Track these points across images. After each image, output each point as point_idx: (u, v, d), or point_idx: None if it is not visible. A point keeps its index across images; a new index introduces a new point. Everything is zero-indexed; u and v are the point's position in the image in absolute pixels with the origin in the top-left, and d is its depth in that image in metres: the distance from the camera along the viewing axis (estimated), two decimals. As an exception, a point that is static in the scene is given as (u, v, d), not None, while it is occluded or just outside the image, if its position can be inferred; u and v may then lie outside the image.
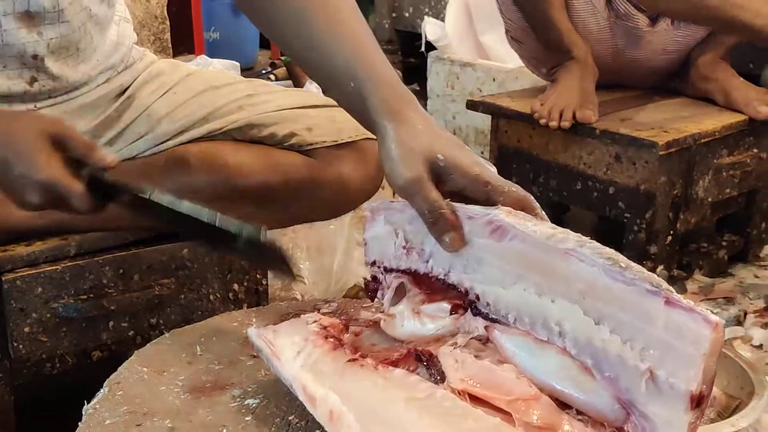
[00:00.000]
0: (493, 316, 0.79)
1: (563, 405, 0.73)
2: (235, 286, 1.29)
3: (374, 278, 0.91)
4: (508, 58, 2.61)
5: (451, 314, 0.83)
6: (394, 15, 3.59)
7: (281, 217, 1.30)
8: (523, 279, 0.77)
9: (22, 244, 1.15)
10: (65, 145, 0.95)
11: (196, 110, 1.25)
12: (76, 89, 1.21)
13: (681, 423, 0.65)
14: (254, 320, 0.99)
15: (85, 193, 0.94)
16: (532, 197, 0.85)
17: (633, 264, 0.74)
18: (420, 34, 3.04)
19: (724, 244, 2.03)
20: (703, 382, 0.65)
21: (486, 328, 0.80)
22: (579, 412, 0.73)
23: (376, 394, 0.75)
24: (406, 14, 3.59)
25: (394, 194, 0.95)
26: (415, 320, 0.85)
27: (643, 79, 2.10)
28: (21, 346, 1.13)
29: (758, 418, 1.29)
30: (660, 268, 1.86)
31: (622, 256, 0.76)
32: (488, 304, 0.79)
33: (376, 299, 0.91)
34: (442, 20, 2.93)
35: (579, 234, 0.78)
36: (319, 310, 0.96)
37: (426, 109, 2.69)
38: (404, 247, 0.86)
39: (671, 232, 1.86)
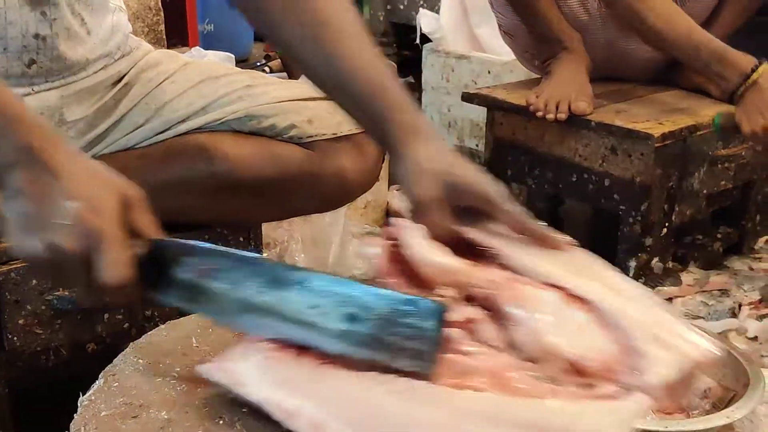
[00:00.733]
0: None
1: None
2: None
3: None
4: (503, 51, 2.60)
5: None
6: (388, 7, 3.58)
7: (279, 209, 1.30)
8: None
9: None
10: (130, 214, 0.78)
11: (194, 101, 1.25)
12: (73, 74, 1.21)
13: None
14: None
15: (127, 260, 0.75)
16: (530, 218, 0.90)
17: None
18: (415, 27, 3.03)
19: (719, 236, 2.03)
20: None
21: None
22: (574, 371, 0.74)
23: (357, 393, 0.71)
24: (401, 6, 3.58)
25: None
26: None
27: (638, 71, 2.09)
28: (16, 339, 1.13)
29: (753, 410, 1.29)
30: (655, 260, 1.86)
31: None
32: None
33: None
34: (437, 12, 2.93)
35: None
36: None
37: (421, 102, 2.69)
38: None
39: (666, 224, 1.86)
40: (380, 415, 0.69)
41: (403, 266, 0.86)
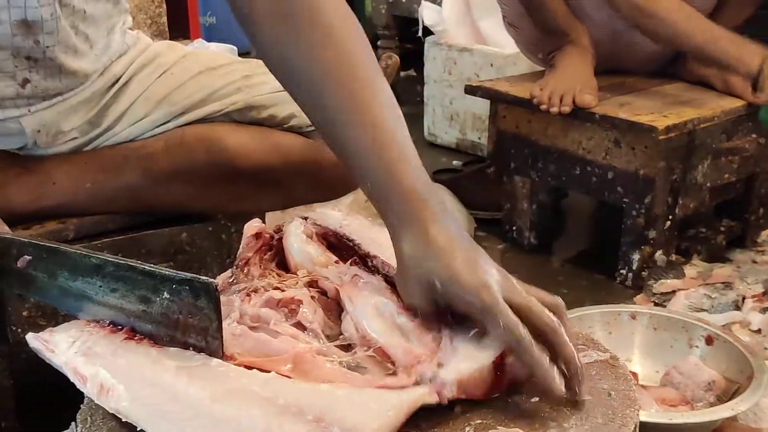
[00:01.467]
0: None
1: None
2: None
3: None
4: (505, 44, 2.59)
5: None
6: (390, 0, 3.57)
7: (281, 198, 1.29)
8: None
9: (20, 227, 1.14)
10: None
11: (194, 92, 1.24)
12: (71, 89, 1.19)
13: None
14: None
15: None
16: (520, 334, 0.74)
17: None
18: (417, 19, 3.02)
19: (722, 229, 2.02)
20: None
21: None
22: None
23: (148, 366, 0.77)
24: (403, -1, 3.57)
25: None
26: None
27: (642, 63, 2.09)
28: (20, 331, 1.13)
29: (757, 401, 1.29)
30: (658, 253, 1.86)
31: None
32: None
33: None
34: (440, 5, 2.92)
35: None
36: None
37: (423, 95, 2.67)
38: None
39: (670, 217, 1.86)
40: (159, 388, 0.74)
41: (276, 250, 0.96)
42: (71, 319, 0.87)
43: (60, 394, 0.87)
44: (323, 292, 0.89)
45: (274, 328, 0.81)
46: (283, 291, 0.86)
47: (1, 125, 1.15)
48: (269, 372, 0.76)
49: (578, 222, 2.31)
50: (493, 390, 0.78)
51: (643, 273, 1.85)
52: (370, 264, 0.92)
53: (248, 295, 0.87)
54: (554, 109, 1.85)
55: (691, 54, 1.94)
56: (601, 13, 1.97)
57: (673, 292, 1.78)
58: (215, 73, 1.27)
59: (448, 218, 0.79)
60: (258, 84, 1.25)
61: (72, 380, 0.80)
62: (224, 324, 0.81)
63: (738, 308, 1.73)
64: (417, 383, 0.75)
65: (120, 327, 0.83)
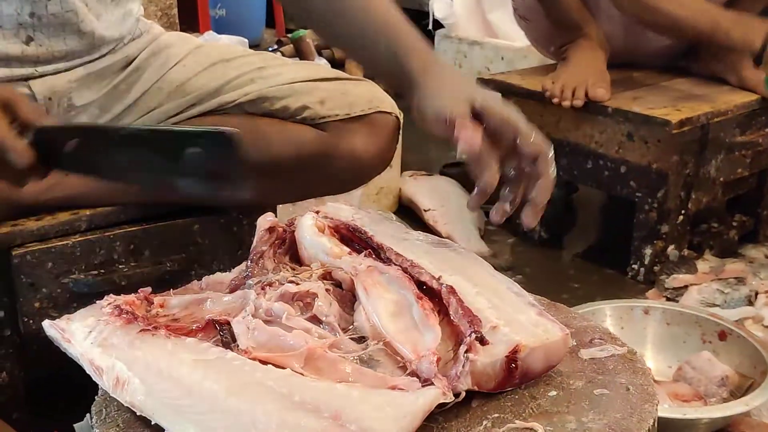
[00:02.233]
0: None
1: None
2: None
3: None
4: (516, 37, 2.59)
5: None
6: (400, -7, 3.57)
7: (293, 190, 1.29)
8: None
9: (32, 219, 1.14)
10: (13, 111, 0.94)
11: (206, 83, 1.24)
12: (78, 58, 1.19)
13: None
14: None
15: (26, 148, 0.92)
16: (550, 149, 0.95)
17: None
18: (427, 12, 3.02)
19: (734, 224, 2.01)
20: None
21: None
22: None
23: (164, 358, 0.76)
24: (413, -8, 3.56)
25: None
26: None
27: (655, 57, 2.07)
28: (31, 322, 1.12)
29: (773, 397, 1.29)
30: (671, 247, 1.85)
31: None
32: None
33: None
34: (450, -2, 2.91)
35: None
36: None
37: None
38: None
39: (682, 211, 1.85)
40: (175, 381, 0.74)
41: (290, 243, 0.97)
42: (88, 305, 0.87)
43: (71, 385, 0.87)
44: (338, 284, 0.89)
45: (287, 322, 0.81)
46: (297, 284, 0.86)
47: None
48: (284, 368, 0.75)
49: (589, 216, 2.30)
50: (505, 383, 0.78)
51: (655, 268, 1.84)
52: (383, 256, 0.91)
53: (263, 288, 0.86)
54: (566, 103, 1.84)
55: (696, 41, 1.93)
56: (614, 7, 1.96)
57: (686, 287, 1.77)
58: (228, 64, 1.26)
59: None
60: (271, 75, 1.25)
61: (88, 372, 0.79)
62: (239, 317, 0.81)
63: (751, 303, 1.72)
64: (428, 379, 0.74)
65: (135, 317, 0.82)
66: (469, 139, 0.90)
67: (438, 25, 2.89)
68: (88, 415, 0.81)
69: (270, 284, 0.86)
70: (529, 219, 0.94)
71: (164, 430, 0.73)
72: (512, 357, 0.77)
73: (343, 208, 1.02)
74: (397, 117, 1.29)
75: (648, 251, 1.84)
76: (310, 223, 0.97)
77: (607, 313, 1.49)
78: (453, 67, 1.04)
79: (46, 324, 0.86)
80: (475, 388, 0.76)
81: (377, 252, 0.92)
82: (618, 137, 1.84)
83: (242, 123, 1.23)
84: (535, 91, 1.93)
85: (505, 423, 0.75)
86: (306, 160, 1.23)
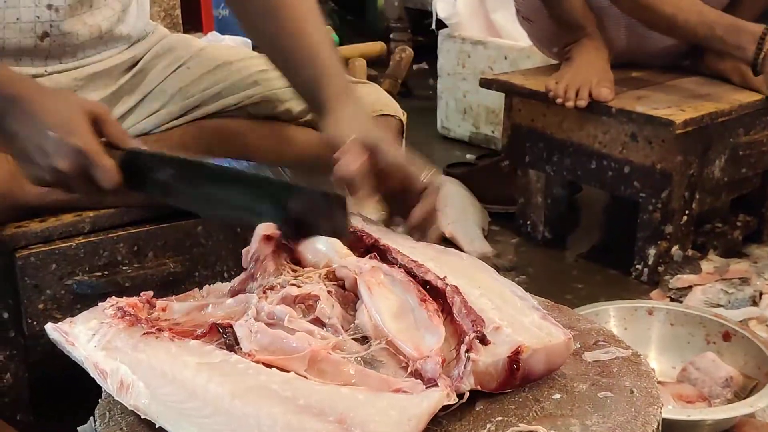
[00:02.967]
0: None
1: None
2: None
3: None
4: (519, 36, 2.58)
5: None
6: (404, -8, 3.56)
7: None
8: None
9: (36, 220, 1.14)
10: (102, 128, 0.97)
11: (210, 86, 1.24)
12: (87, 56, 1.20)
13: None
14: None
15: (115, 168, 0.94)
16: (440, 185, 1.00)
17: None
18: (430, 12, 3.01)
19: (738, 224, 2.01)
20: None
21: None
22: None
23: (168, 361, 0.76)
24: (417, -8, 3.56)
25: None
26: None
27: (658, 57, 2.07)
28: (35, 323, 1.12)
29: (777, 398, 1.28)
30: (675, 248, 1.84)
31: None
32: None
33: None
34: (453, -2, 2.90)
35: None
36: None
37: (436, 88, 2.70)
38: None
39: (686, 211, 1.84)
40: (179, 385, 0.74)
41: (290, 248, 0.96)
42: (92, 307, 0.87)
43: (75, 388, 0.87)
44: (340, 285, 0.88)
45: (290, 325, 0.80)
46: (299, 287, 0.86)
47: None
48: (288, 372, 0.75)
49: (593, 216, 2.30)
50: (506, 384, 0.78)
51: (659, 268, 1.84)
52: (390, 257, 0.91)
53: (264, 292, 0.86)
54: (570, 103, 1.84)
55: (690, 43, 1.93)
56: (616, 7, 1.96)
57: (690, 287, 1.77)
58: (231, 67, 1.26)
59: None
60: (274, 78, 1.25)
61: (92, 375, 0.79)
62: (242, 321, 0.81)
63: (755, 304, 1.71)
64: (432, 379, 0.74)
65: (138, 320, 0.82)
66: (347, 163, 0.94)
67: (441, 24, 2.89)
68: (91, 417, 0.81)
69: (271, 288, 0.86)
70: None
71: None
72: (514, 358, 0.77)
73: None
74: (400, 120, 1.29)
75: (652, 251, 1.84)
76: None
77: (610, 314, 1.49)
78: (363, 106, 1.09)
79: (49, 327, 0.86)
80: (478, 387, 0.76)
81: (383, 254, 0.92)
82: (622, 137, 1.84)
83: (245, 125, 1.23)
84: (538, 92, 1.93)
85: (509, 426, 0.74)
86: (309, 162, 1.23)
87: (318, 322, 0.82)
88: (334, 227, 0.92)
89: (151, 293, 0.89)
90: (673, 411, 1.27)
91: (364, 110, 1.07)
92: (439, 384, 0.73)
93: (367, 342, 0.80)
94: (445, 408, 0.73)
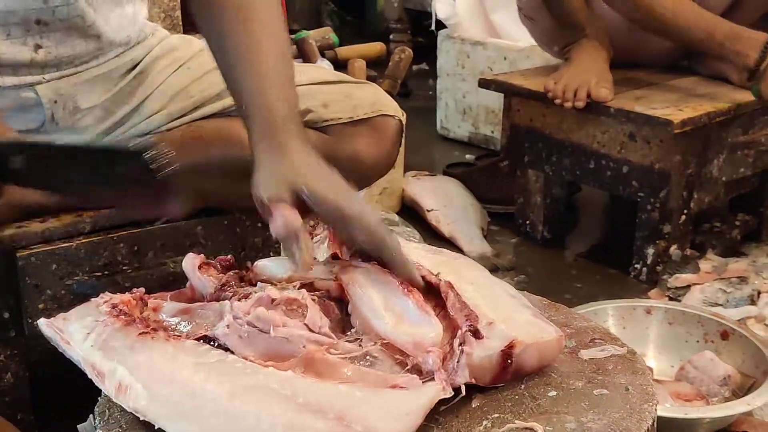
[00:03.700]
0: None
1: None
2: (249, 263, 1.29)
3: None
4: (518, 37, 2.59)
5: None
6: (403, -7, 3.57)
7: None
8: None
9: (37, 221, 1.15)
10: None
11: (210, 86, 1.24)
12: (85, 62, 1.20)
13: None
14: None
15: None
16: (382, 233, 0.87)
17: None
18: (430, 13, 3.02)
19: (737, 223, 2.01)
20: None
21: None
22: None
23: (166, 362, 0.76)
24: (416, -8, 3.57)
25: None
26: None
27: (658, 57, 2.08)
28: (35, 323, 1.13)
29: (774, 396, 1.29)
30: (673, 247, 1.85)
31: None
32: None
33: None
34: (453, -2, 2.91)
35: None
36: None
37: (435, 88, 2.68)
38: None
39: (685, 211, 1.85)
40: (177, 385, 0.74)
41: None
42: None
43: (75, 386, 0.87)
44: (322, 295, 0.87)
45: (284, 328, 0.79)
46: (279, 291, 0.84)
47: (18, 96, 1.16)
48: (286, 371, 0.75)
49: (592, 216, 2.30)
50: (499, 378, 0.79)
51: (657, 267, 1.84)
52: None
53: (240, 300, 0.84)
54: (568, 104, 1.85)
55: (686, 47, 1.93)
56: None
57: (688, 286, 1.77)
58: (232, 67, 1.26)
59: (310, 147, 0.94)
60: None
61: (90, 376, 0.79)
62: (225, 330, 0.80)
63: (753, 303, 1.72)
64: (430, 373, 0.75)
65: (133, 319, 0.82)
66: (283, 220, 0.86)
67: (440, 25, 2.89)
68: (91, 416, 0.81)
69: (246, 296, 0.85)
70: None
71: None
72: (508, 352, 0.78)
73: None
74: (400, 120, 1.29)
75: (650, 251, 1.85)
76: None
77: (609, 313, 1.49)
78: (302, 147, 0.94)
79: (43, 323, 0.85)
80: (473, 381, 0.77)
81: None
82: (620, 137, 1.84)
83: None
84: (537, 92, 1.93)
85: (505, 423, 0.75)
86: None
87: (306, 329, 0.81)
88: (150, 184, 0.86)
89: (143, 290, 0.89)
90: (671, 409, 1.27)
91: (291, 160, 0.92)
92: (435, 378, 0.74)
93: (358, 341, 0.80)
94: (442, 403, 0.74)
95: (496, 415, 0.76)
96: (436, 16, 2.90)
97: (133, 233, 1.18)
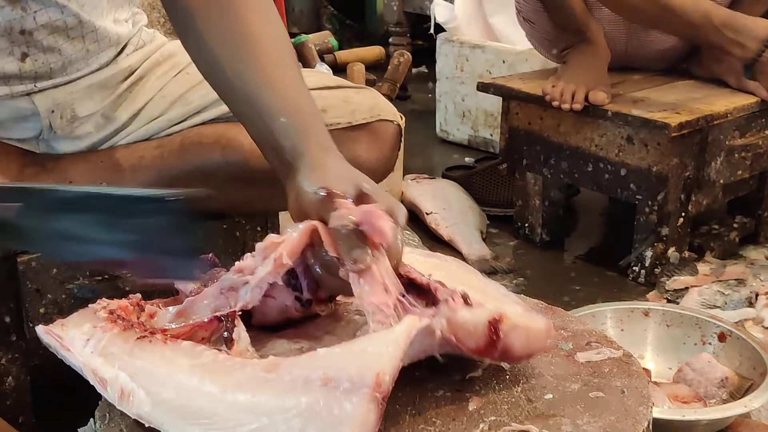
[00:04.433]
0: None
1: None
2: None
3: None
4: (517, 40, 2.59)
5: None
6: (402, -3, 3.58)
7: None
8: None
9: (37, 226, 1.15)
10: None
11: (209, 92, 1.24)
12: (78, 69, 1.19)
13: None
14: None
15: None
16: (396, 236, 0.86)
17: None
18: (429, 16, 3.02)
19: (735, 226, 2.02)
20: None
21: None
22: None
23: (164, 366, 0.77)
24: (415, -4, 3.58)
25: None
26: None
27: (656, 60, 2.08)
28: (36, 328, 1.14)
29: (771, 398, 1.29)
30: (671, 249, 1.86)
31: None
32: None
33: None
34: (451, 2, 2.92)
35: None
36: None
37: (435, 92, 2.68)
38: None
39: (683, 214, 1.85)
40: (177, 389, 0.75)
41: None
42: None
43: (76, 390, 0.88)
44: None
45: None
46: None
47: (14, 106, 1.16)
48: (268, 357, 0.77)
49: (590, 219, 2.31)
50: (486, 351, 0.78)
51: (655, 270, 1.85)
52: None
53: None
54: (566, 106, 1.85)
55: (686, 36, 1.93)
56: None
57: (686, 288, 1.78)
58: (230, 72, 1.27)
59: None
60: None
61: (91, 382, 0.80)
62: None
63: (751, 305, 1.72)
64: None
65: (131, 324, 0.83)
66: (347, 212, 0.84)
67: (439, 28, 2.90)
68: (91, 419, 0.82)
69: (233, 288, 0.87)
70: None
71: None
72: (495, 324, 0.78)
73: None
74: (398, 125, 1.30)
75: (648, 253, 1.85)
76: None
77: (607, 315, 1.50)
78: (341, 158, 0.96)
79: (41, 330, 0.85)
80: (452, 338, 0.76)
81: None
82: (618, 140, 1.85)
83: (245, 131, 1.24)
84: (535, 95, 1.94)
85: (502, 425, 0.76)
86: None
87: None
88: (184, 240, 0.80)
89: (140, 296, 0.89)
90: (668, 411, 1.28)
91: (342, 162, 0.95)
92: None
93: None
94: (438, 406, 0.74)
95: (493, 418, 0.77)
96: (435, 19, 2.91)
97: (133, 238, 1.19)
